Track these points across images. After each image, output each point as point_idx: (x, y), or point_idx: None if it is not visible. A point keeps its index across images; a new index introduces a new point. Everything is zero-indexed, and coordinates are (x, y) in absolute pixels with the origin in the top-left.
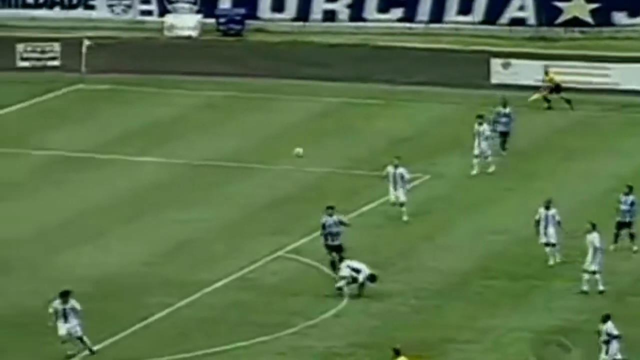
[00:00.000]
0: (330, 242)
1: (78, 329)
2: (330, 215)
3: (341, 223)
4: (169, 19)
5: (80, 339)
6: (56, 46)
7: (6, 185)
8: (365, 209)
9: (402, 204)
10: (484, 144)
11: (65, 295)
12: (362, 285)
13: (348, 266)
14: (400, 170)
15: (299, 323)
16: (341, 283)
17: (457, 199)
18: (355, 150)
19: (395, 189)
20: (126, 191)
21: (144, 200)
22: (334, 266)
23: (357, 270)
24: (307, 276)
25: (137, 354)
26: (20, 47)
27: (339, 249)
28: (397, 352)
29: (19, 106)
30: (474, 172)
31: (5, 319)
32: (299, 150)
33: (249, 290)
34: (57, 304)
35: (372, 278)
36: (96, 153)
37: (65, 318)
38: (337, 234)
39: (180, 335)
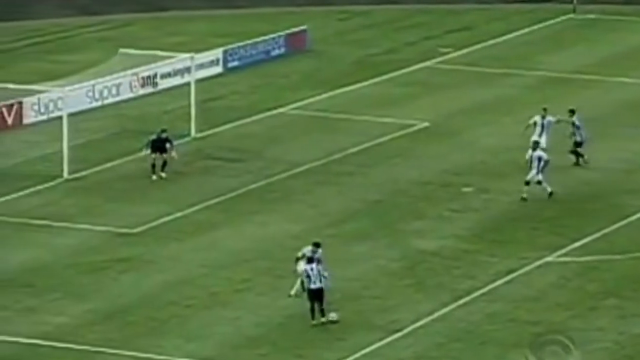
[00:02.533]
0: None
1: None
2: None
3: None
4: None
5: None
6: None
7: (498, 100)
8: None
9: None
10: None
11: None
12: None
13: None
14: None
15: None
16: None
17: None
18: None
19: None
20: (607, 107)
21: (622, 117)
22: None
23: None
24: None
25: (618, 248)
26: None
27: None
28: None
29: (520, 32)
30: None
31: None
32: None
33: None
34: None
35: None
36: (581, 74)
37: None
38: None
39: None
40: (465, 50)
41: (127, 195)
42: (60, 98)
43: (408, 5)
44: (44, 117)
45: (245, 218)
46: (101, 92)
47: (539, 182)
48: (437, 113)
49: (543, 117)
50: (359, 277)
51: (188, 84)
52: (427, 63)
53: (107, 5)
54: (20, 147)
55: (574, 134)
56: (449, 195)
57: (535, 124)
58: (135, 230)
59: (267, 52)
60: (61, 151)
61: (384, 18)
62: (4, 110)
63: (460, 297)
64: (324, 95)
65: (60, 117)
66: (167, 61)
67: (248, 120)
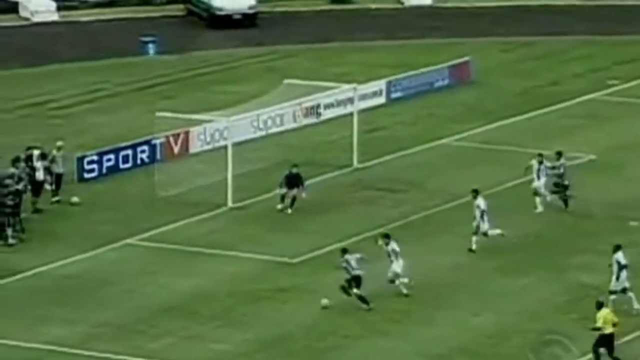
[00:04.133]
0: None
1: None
2: None
3: None
4: None
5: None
6: None
7: None
8: None
9: None
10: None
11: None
12: None
13: None
14: None
15: None
16: None
17: None
18: None
19: None
20: None
21: None
22: None
23: None
24: None
25: None
26: None
27: None
28: (601, 305)
29: None
30: None
31: None
32: (325, 301)
33: None
34: None
35: None
36: None
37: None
38: None
39: None
40: (633, 83)
41: (288, 224)
42: (226, 128)
43: (573, 37)
44: (209, 147)
45: (405, 249)
46: (265, 122)
47: (485, 234)
48: (605, 146)
49: (540, 163)
50: (523, 310)
51: (351, 115)
52: (594, 95)
53: (273, 36)
54: (186, 176)
55: (561, 176)
56: (614, 229)
57: (531, 167)
58: (296, 260)
59: (431, 83)
60: (226, 180)
61: (548, 49)
62: (171, 139)
63: (626, 334)
64: (488, 127)
65: (225, 147)
66: (331, 92)
67: (410, 151)
